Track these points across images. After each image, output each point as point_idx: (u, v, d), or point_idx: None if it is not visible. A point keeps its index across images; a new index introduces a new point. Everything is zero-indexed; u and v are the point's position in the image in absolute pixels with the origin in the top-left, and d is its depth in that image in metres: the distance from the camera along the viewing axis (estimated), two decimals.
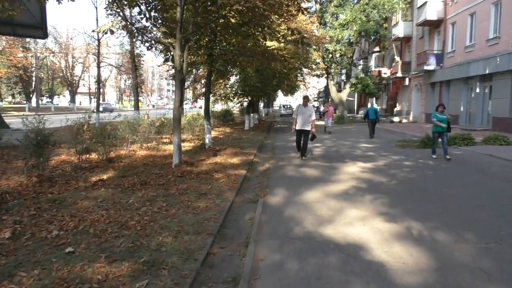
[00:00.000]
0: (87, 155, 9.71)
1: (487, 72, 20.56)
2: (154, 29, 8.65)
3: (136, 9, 8.41)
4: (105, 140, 9.78)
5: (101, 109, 39.23)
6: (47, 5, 9.54)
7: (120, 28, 8.03)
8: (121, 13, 7.81)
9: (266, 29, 12.18)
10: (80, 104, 70.17)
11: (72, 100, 62.41)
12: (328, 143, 16.32)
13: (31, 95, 55.14)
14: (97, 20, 19.92)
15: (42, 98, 72.66)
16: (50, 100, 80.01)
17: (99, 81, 20.43)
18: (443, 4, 26.56)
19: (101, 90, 78.91)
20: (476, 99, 22.27)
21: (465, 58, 23.28)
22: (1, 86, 63.41)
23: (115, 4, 7.62)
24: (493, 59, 20.05)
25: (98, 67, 20.28)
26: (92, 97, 74.43)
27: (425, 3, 26.89)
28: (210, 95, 25.44)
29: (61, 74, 59.65)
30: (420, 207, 6.13)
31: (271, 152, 13.56)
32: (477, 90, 22.12)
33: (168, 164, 9.44)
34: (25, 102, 53.82)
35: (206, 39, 12.38)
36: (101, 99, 77.09)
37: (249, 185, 8.04)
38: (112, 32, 8.40)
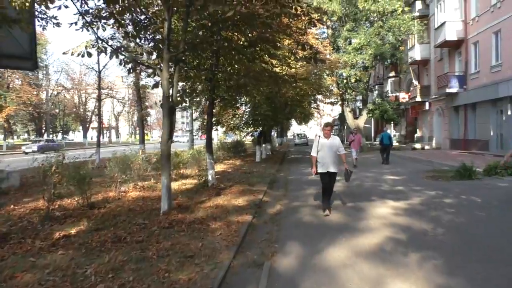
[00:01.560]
0: (61, 201, 8.18)
1: None
2: (137, 48, 7.24)
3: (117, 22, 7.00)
4: (85, 182, 8.24)
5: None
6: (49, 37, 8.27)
7: (91, 47, 6.61)
8: (91, 29, 6.42)
9: (273, 51, 10.79)
10: (91, 139, 69.81)
11: (85, 135, 62.16)
12: None
13: (43, 132, 54.93)
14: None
15: (56, 134, 72.85)
16: (65, 136, 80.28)
17: (99, 115, 19.24)
18: (463, 24, 25.03)
19: (115, 124, 79.25)
20: (508, 122, 20.29)
21: (492, 78, 21.50)
22: (16, 123, 63.74)
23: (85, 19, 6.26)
24: None
25: (99, 100, 19.18)
26: (105, 131, 74.39)
27: (444, 23, 25.41)
28: (219, 126, 24.23)
29: (74, 110, 59.74)
30: (492, 273, 4.31)
31: (284, 188, 11.84)
32: (509, 113, 20.18)
33: (159, 209, 7.82)
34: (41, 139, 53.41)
35: (209, 62, 10.99)
36: (113, 133, 77.18)
37: (254, 237, 6.33)
38: (89, 55, 7.00)
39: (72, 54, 6.88)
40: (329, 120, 75.85)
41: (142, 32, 7.70)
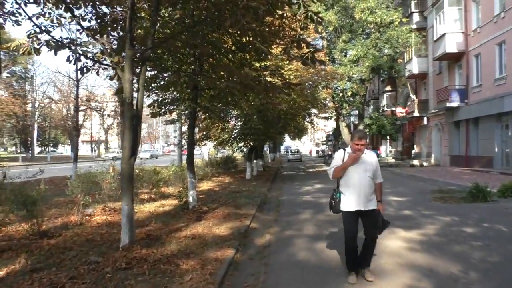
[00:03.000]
0: (6, 228, 6.75)
1: None
2: (91, 42, 5.95)
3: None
4: (34, 206, 6.81)
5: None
6: None
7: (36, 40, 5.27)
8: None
9: (263, 56, 9.54)
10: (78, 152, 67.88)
11: (73, 149, 60.35)
12: None
13: (28, 144, 53.15)
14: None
15: (45, 147, 70.91)
16: (54, 149, 78.39)
17: (77, 127, 17.77)
18: (463, 36, 24.14)
19: (105, 138, 77.37)
20: None
21: (496, 92, 20.46)
22: (3, 135, 61.92)
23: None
24: None
25: (77, 111, 17.76)
26: (94, 145, 72.60)
27: (443, 35, 24.50)
28: (208, 141, 22.88)
29: (62, 122, 58.04)
30: None
31: (275, 211, 10.45)
32: None
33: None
34: (29, 152, 51.48)
35: (191, 67, 9.70)
36: (102, 146, 75.33)
37: (235, 282, 4.94)
38: (37, 52, 5.66)
39: (13, 50, 5.52)
40: (324, 135, 74.73)
41: (109, 29, 6.41)
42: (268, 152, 48.58)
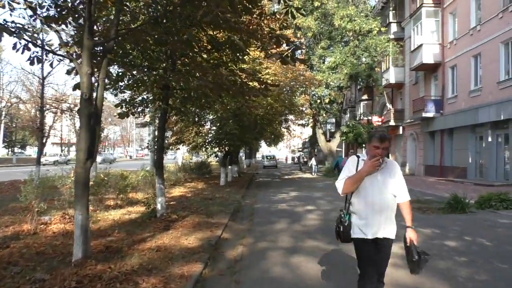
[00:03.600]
0: None
1: (502, 118, 17.74)
2: (43, 28, 5.29)
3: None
4: None
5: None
6: None
7: None
8: None
9: (240, 54, 9.06)
10: (45, 154, 65.72)
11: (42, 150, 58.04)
12: (324, 204, 12.77)
13: None
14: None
15: (12, 149, 68.10)
16: (22, 151, 75.33)
17: (42, 128, 16.73)
18: (440, 47, 24.36)
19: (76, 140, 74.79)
20: (489, 150, 19.30)
21: (471, 103, 20.62)
22: None
23: None
24: (508, 104, 17.31)
25: (41, 110, 16.76)
26: (63, 147, 70.32)
27: (420, 46, 24.66)
28: (182, 145, 22.18)
29: (31, 123, 55.75)
30: None
31: (249, 220, 9.92)
32: (489, 139, 19.21)
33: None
34: None
35: (162, 65, 9.09)
36: (73, 149, 72.90)
37: None
38: None
39: None
40: (300, 142, 74.68)
41: (71, 19, 5.77)
42: (243, 158, 48.07)
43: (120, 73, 8.74)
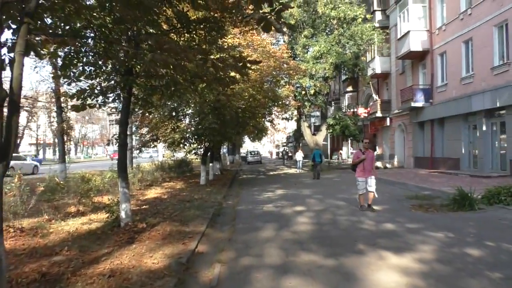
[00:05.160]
0: None
1: (497, 105, 16.75)
2: None
3: None
4: None
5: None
6: None
7: None
8: None
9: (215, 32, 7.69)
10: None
11: (16, 151, 55.52)
12: (314, 204, 11.49)
13: None
14: None
15: None
16: None
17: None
18: (427, 34, 23.30)
19: (55, 141, 72.13)
20: (483, 139, 18.32)
21: (463, 91, 19.62)
22: None
23: None
24: (504, 90, 16.32)
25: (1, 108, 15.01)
26: (39, 148, 67.62)
27: (407, 33, 23.55)
28: (157, 142, 20.66)
29: None
30: None
31: (230, 226, 8.56)
32: (484, 128, 18.24)
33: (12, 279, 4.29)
34: None
35: (124, 48, 7.60)
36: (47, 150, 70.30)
37: None
38: None
39: None
40: (284, 137, 73.50)
41: None
42: (227, 154, 46.64)
43: (70, 56, 7.22)
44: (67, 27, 6.34)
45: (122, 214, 7.87)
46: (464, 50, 19.89)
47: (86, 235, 7.38)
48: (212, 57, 7.13)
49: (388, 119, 29.57)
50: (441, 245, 6.18)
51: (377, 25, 28.13)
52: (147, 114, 16.19)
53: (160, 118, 16.61)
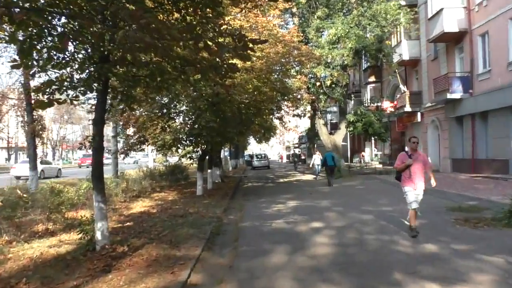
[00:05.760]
0: None
1: None
2: None
3: None
4: None
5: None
6: None
7: None
8: None
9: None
10: None
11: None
12: (335, 219, 10.94)
13: None
14: None
15: None
16: None
17: None
18: (465, 11, 22.75)
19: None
20: None
21: (510, 79, 19.04)
22: None
23: None
24: None
25: None
26: (11, 152, 67.67)
27: (440, 11, 23.06)
28: (145, 145, 20.27)
29: None
30: None
31: (232, 249, 8.04)
32: None
33: None
34: None
35: (99, 30, 7.10)
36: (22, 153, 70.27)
37: None
38: None
39: None
40: (296, 137, 73.03)
41: None
42: (228, 158, 46.26)
43: (31, 38, 6.72)
44: (27, 4, 5.89)
45: (98, 235, 7.34)
46: (511, 29, 19.32)
47: (53, 261, 6.94)
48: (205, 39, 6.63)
49: (418, 114, 29.24)
50: (502, 273, 5.60)
51: (403, 3, 27.73)
52: (131, 112, 15.80)
53: (148, 116, 16.17)
